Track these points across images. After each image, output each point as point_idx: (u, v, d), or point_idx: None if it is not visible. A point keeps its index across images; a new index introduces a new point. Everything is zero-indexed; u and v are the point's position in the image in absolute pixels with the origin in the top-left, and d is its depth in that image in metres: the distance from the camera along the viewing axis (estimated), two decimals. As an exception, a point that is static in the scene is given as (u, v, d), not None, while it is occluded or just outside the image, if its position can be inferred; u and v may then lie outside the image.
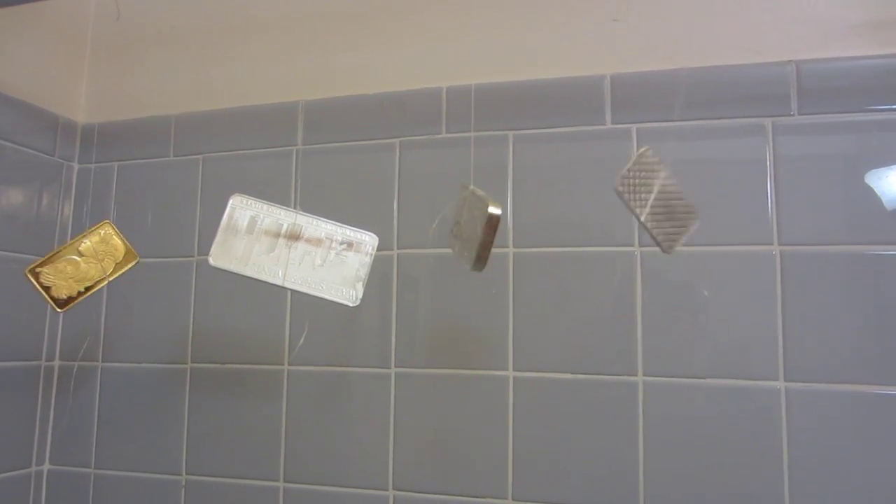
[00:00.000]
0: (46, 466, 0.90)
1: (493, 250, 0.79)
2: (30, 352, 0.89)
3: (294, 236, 0.54)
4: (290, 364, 0.83)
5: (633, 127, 0.76)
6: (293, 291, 0.82)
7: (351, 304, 0.54)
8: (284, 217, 0.56)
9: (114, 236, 0.71)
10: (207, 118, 0.91)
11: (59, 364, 0.92)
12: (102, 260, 0.72)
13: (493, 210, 0.53)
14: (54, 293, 0.67)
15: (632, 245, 0.74)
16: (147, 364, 0.89)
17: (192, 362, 0.87)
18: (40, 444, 0.90)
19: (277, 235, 0.55)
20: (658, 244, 0.55)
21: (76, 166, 0.96)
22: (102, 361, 0.90)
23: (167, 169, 0.92)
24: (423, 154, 0.82)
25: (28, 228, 0.88)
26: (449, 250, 0.79)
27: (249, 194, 0.84)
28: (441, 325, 0.79)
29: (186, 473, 0.85)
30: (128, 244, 0.70)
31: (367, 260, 0.55)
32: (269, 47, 0.91)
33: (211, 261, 0.54)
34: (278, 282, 0.53)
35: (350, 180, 0.84)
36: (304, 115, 0.87)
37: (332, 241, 0.55)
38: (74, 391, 0.91)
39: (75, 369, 0.91)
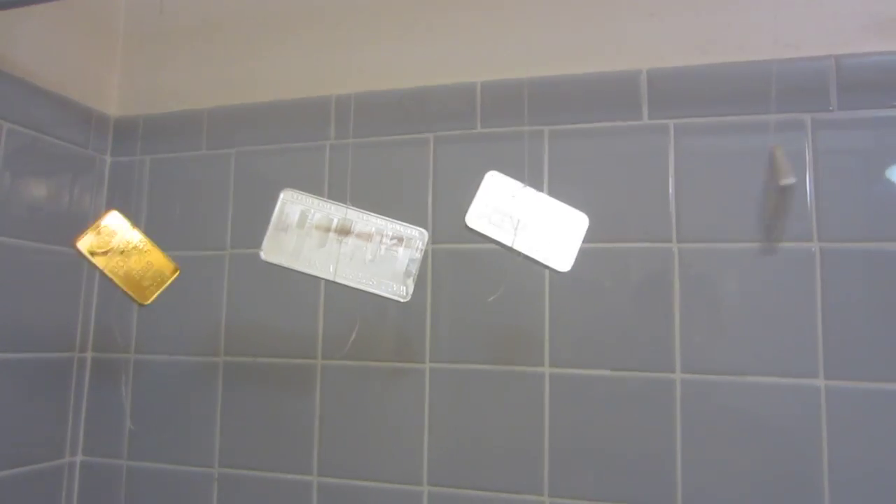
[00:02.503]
0: (79, 458, 0.91)
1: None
2: (63, 343, 0.89)
3: (344, 231, 0.54)
4: (323, 358, 0.83)
5: (671, 122, 0.76)
6: (326, 283, 0.82)
7: (402, 300, 0.53)
8: (335, 212, 0.56)
9: None
10: (240, 112, 0.91)
11: (91, 356, 0.93)
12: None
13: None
14: None
15: (669, 241, 0.74)
16: (180, 357, 0.89)
17: (224, 355, 0.87)
18: (73, 435, 0.90)
19: (328, 230, 0.54)
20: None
21: (108, 159, 0.96)
22: (135, 353, 0.91)
23: (199, 162, 0.92)
24: (458, 149, 0.82)
25: (60, 220, 0.89)
26: (492, 246, 0.79)
27: (281, 188, 0.85)
28: (475, 321, 0.79)
29: (219, 466, 0.85)
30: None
31: (418, 255, 0.55)
32: (303, 41, 0.91)
33: (262, 255, 0.54)
34: (329, 277, 0.53)
35: (383, 175, 0.84)
36: (336, 110, 0.87)
37: (382, 235, 0.55)
38: (107, 383, 0.91)
39: (107, 361, 0.91)
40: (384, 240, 0.55)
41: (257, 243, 0.87)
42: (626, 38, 0.79)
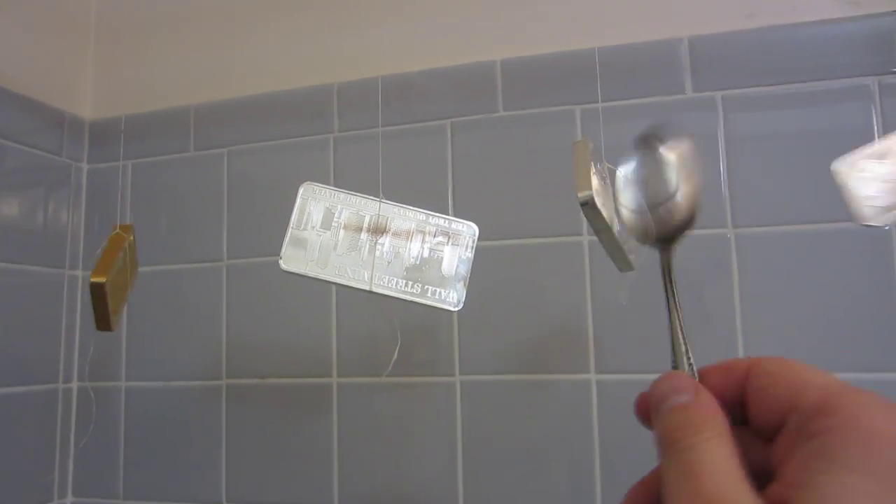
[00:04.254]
0: (69, 499, 0.82)
1: (567, 239, 0.72)
2: (45, 374, 0.80)
3: (379, 230, 0.46)
4: (339, 376, 0.75)
5: (718, 95, 0.68)
6: (338, 291, 0.74)
7: (453, 309, 0.45)
8: (366, 207, 0.47)
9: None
10: (231, 107, 0.82)
11: (77, 386, 0.83)
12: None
13: None
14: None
15: (725, 226, 0.66)
16: (177, 382, 0.80)
17: (227, 378, 0.78)
18: (61, 475, 0.81)
19: (359, 230, 0.46)
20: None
21: (85, 167, 0.86)
22: (126, 381, 0.82)
23: (188, 165, 0.83)
24: (478, 136, 0.74)
25: (34, 237, 0.79)
26: (517, 241, 0.71)
27: (281, 189, 0.75)
28: (510, 325, 0.71)
29: (227, 501, 0.77)
30: None
31: (468, 254, 0.46)
32: (298, 25, 0.82)
33: (282, 264, 0.45)
34: (364, 286, 0.44)
35: (396, 169, 0.75)
36: (339, 99, 0.79)
37: (424, 233, 0.46)
38: (97, 415, 0.82)
39: (97, 391, 0.82)
40: (427, 238, 0.46)
41: (256, 252, 0.79)
42: (662, 3, 0.71)
